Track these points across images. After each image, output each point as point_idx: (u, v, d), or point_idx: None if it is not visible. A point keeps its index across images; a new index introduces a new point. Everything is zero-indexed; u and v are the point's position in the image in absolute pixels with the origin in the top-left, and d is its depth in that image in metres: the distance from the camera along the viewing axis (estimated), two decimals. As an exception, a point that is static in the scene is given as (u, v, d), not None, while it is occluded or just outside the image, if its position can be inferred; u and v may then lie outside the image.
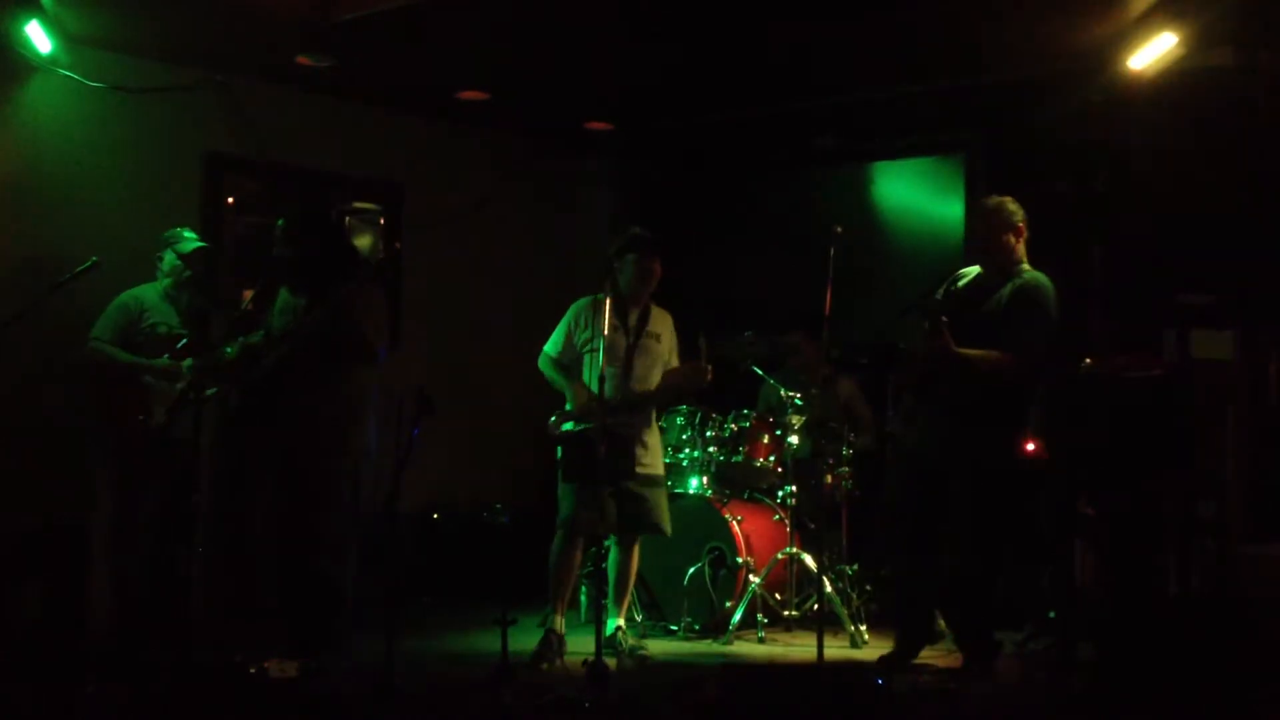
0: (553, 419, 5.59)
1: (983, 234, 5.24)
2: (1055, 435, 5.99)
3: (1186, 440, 5.52)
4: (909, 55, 6.31)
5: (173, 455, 5.43)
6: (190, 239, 5.79)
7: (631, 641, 5.64)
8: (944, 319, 4.98)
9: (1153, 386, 5.85)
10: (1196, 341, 5.94)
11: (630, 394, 5.52)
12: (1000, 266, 5.20)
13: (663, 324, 5.71)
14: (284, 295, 5.37)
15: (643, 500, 5.53)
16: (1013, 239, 5.19)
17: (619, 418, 5.35)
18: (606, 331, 5.35)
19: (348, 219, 7.08)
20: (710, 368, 5.56)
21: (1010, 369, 5.05)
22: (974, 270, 5.33)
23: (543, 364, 5.70)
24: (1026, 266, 5.21)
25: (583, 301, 5.70)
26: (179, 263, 5.70)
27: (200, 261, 5.75)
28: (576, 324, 5.64)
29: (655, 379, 5.63)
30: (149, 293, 5.73)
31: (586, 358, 5.58)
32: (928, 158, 7.52)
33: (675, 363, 5.71)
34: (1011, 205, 5.27)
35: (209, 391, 5.06)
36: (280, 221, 5.33)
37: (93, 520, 5.67)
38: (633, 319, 5.60)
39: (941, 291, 5.27)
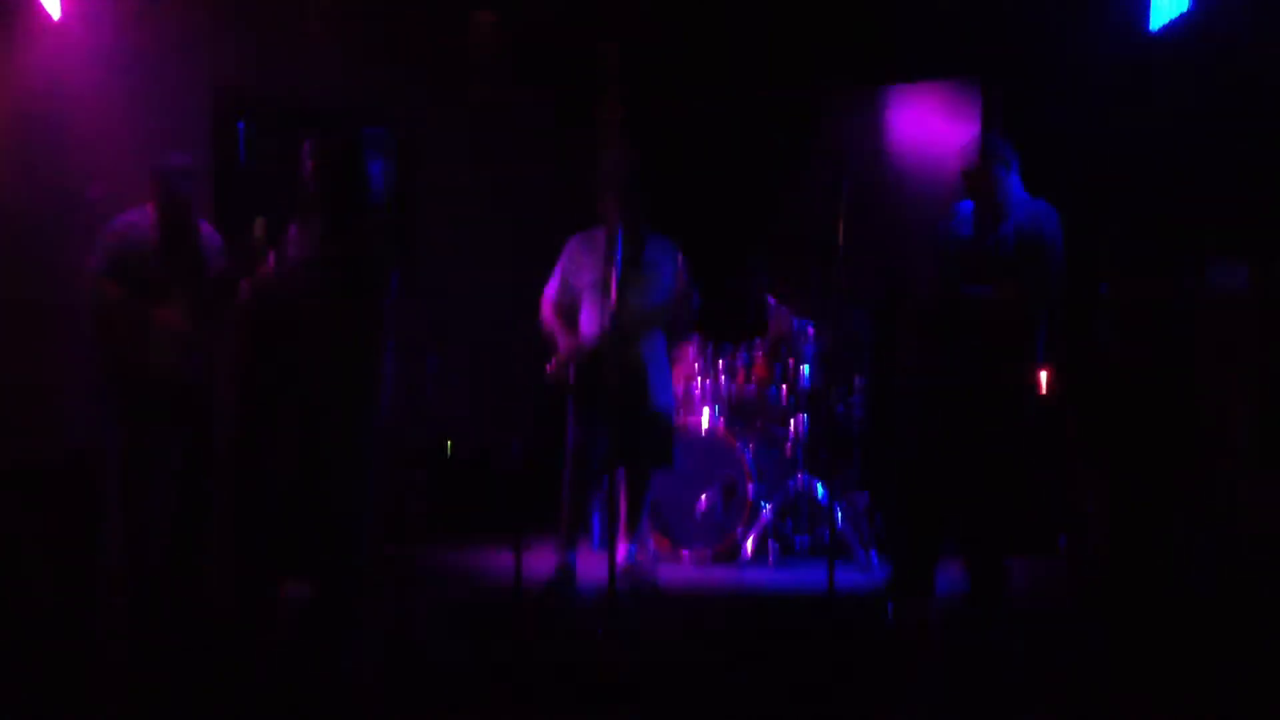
0: (550, 368, 5.53)
1: (971, 172, 5.21)
2: (1069, 361, 5.99)
3: (1203, 379, 5.50)
4: (924, 28, 6.21)
5: (185, 399, 5.43)
6: (182, 174, 5.48)
7: (644, 570, 5.69)
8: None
9: (1166, 313, 5.83)
10: (1211, 273, 5.91)
11: (621, 324, 5.29)
12: (994, 201, 5.16)
13: (660, 252, 5.54)
14: (295, 229, 5.34)
15: (648, 431, 5.52)
16: (1002, 170, 5.16)
17: (615, 349, 5.31)
18: (612, 264, 5.30)
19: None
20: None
21: (1022, 296, 5.04)
22: (965, 207, 5.30)
23: (544, 310, 5.57)
24: (1025, 197, 5.18)
25: (574, 238, 5.60)
26: (171, 202, 5.57)
27: (192, 206, 5.58)
28: (571, 263, 5.56)
29: (651, 308, 5.48)
30: (142, 221, 5.48)
31: (587, 295, 5.49)
32: (943, 81, 7.41)
33: (681, 291, 5.61)
34: (993, 140, 5.24)
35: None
36: (307, 144, 5.21)
37: (104, 467, 5.64)
38: (626, 250, 5.45)
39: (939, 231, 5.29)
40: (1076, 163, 6.32)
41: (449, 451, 6.95)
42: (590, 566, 5.62)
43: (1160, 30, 5.89)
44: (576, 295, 5.56)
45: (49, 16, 6.07)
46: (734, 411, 6.56)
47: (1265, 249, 5.47)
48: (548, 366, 5.52)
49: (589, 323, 5.51)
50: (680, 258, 5.63)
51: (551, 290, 5.61)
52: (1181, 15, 5.77)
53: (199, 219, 5.65)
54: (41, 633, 4.91)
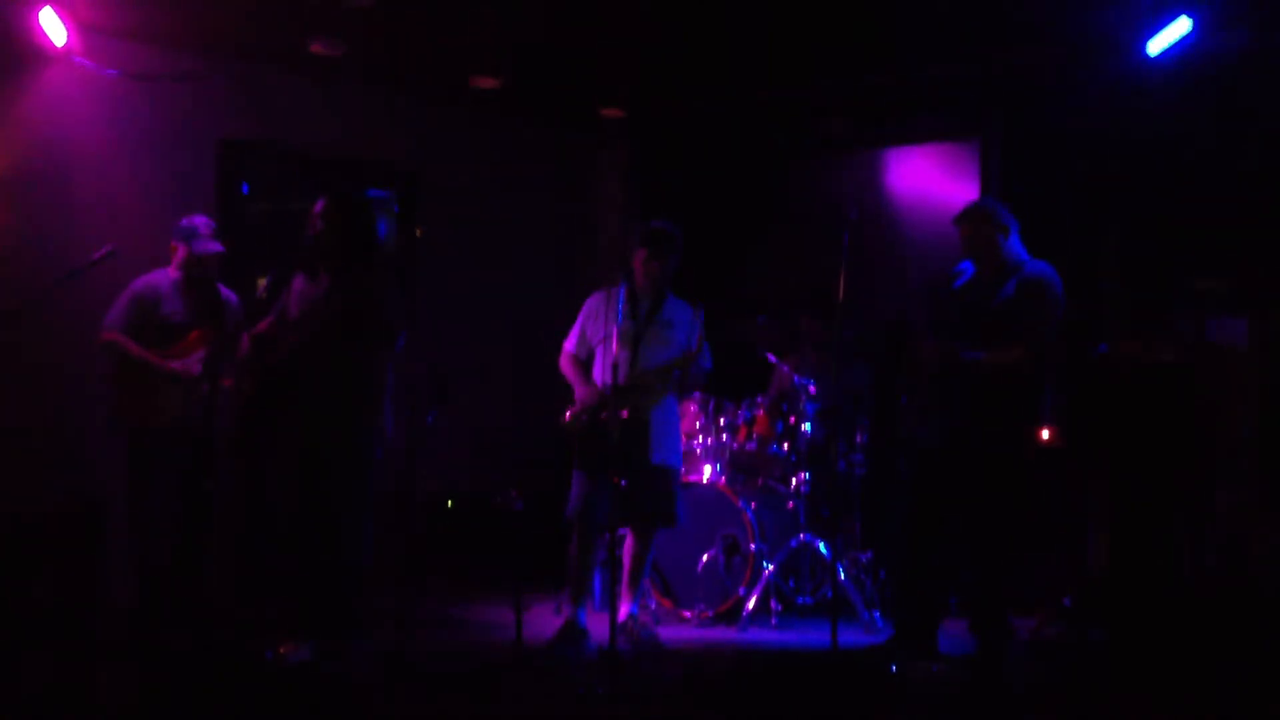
0: (566, 416, 5.56)
1: (970, 238, 5.27)
2: (1070, 422, 5.99)
3: (1201, 426, 5.50)
4: (925, 36, 6.27)
5: (187, 443, 5.45)
6: (207, 235, 5.69)
7: (645, 629, 5.63)
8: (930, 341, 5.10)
9: (1167, 372, 5.84)
10: (1211, 327, 5.93)
11: (629, 381, 5.39)
12: (994, 265, 5.22)
13: (679, 313, 5.63)
14: (300, 282, 5.37)
15: (653, 490, 5.50)
16: (1000, 236, 5.21)
17: (623, 402, 5.31)
18: (619, 320, 5.33)
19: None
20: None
21: (1019, 359, 5.05)
22: (967, 268, 5.35)
23: (561, 362, 5.67)
24: (1025, 259, 5.22)
25: (596, 293, 5.70)
26: (194, 260, 5.67)
27: (214, 265, 5.73)
28: (589, 317, 5.64)
29: (661, 368, 5.51)
30: (162, 281, 5.70)
31: (600, 349, 5.56)
32: (942, 143, 7.48)
33: (695, 352, 5.64)
34: (990, 206, 5.33)
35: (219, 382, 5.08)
36: (319, 203, 5.28)
37: (108, 508, 5.68)
38: (643, 307, 5.58)
39: (938, 290, 5.33)
40: (1077, 220, 6.37)
41: (450, 505, 6.92)
42: (592, 626, 5.57)
43: (1159, 56, 5.91)
44: (593, 349, 5.62)
45: (56, 74, 6.16)
46: (735, 468, 6.53)
47: (1262, 303, 5.50)
48: (564, 415, 5.53)
49: (599, 377, 5.55)
50: (698, 320, 5.64)
51: (570, 343, 5.69)
52: (1182, 40, 5.79)
53: (216, 278, 5.74)
54: (45, 664, 4.88)
